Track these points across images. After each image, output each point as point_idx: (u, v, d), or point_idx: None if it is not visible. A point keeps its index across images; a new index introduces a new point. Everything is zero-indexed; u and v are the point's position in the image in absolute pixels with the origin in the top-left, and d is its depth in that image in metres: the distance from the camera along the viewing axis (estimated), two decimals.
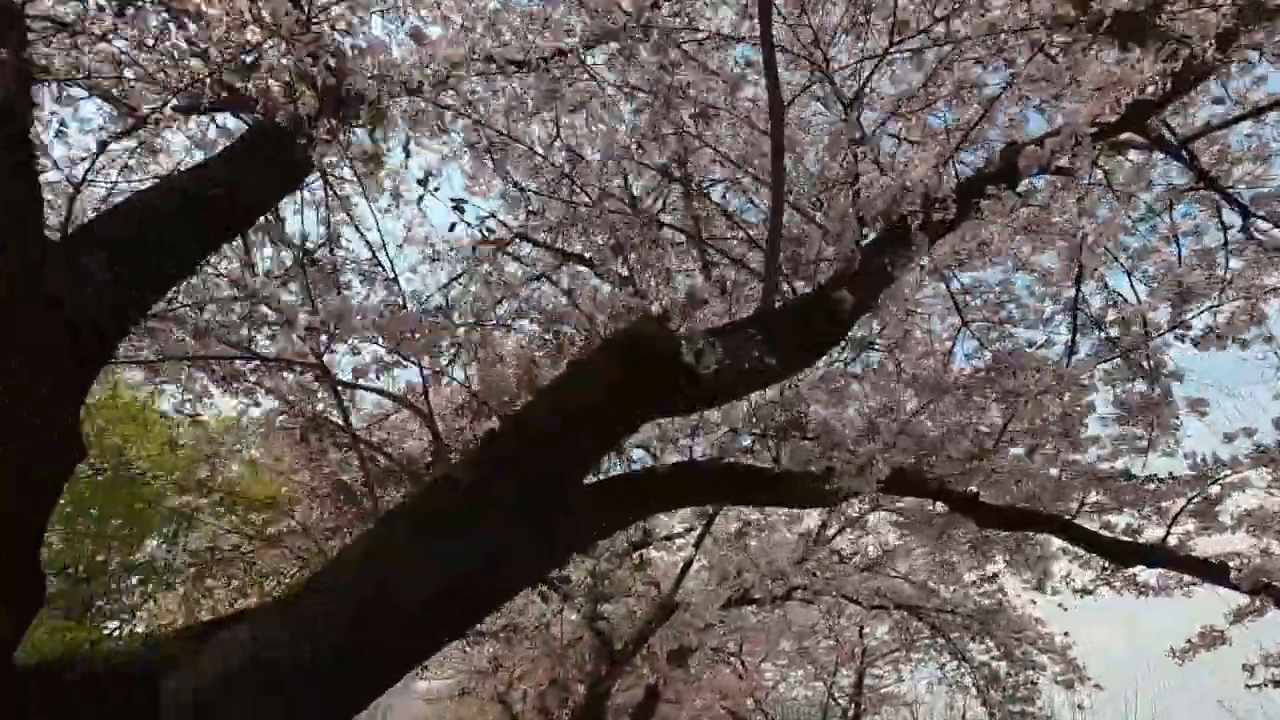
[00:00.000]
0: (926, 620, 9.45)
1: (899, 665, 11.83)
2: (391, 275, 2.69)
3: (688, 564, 8.65)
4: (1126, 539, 3.38)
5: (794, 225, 3.10)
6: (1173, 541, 3.31)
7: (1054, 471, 3.01)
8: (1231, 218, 4.93)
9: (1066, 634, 8.65)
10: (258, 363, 3.05)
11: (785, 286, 2.68)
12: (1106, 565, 3.96)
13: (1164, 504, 3.24)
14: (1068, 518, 3.36)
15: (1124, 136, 4.53)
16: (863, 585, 9.48)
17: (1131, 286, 5.32)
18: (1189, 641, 4.14)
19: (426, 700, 20.81)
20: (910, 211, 2.59)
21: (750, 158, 2.74)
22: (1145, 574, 4.01)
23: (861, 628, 14.19)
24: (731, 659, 14.41)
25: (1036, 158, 3.48)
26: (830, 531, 10.15)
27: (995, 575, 9.16)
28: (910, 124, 2.88)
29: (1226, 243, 4.85)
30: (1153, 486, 2.99)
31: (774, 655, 15.19)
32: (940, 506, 3.54)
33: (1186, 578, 4.03)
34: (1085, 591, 4.08)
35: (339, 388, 2.78)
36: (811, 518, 10.57)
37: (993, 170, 3.35)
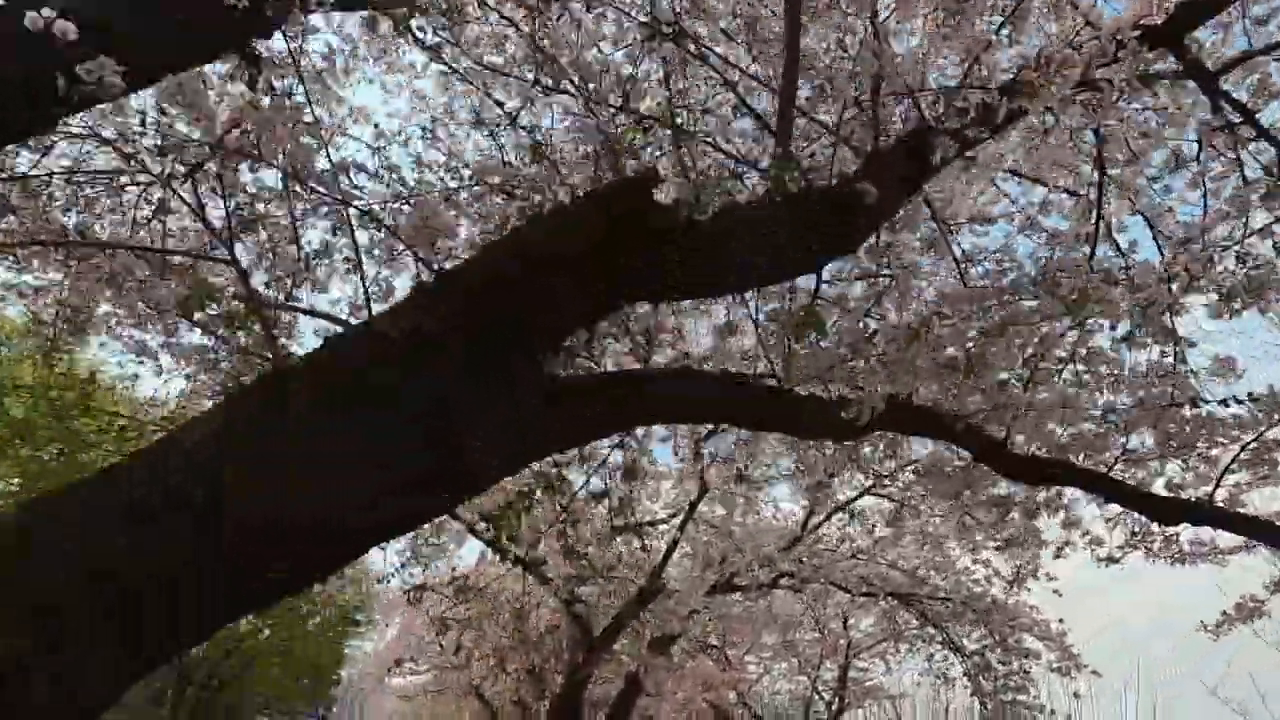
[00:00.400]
0: (916, 608, 9.08)
1: (886, 657, 11.46)
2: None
3: (671, 548, 8.21)
4: (1169, 494, 2.99)
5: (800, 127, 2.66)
6: (1222, 496, 2.92)
7: (1101, 400, 2.60)
8: (1252, 172, 4.57)
9: (1061, 620, 8.33)
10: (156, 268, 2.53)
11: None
12: (1137, 530, 3.57)
13: (1214, 452, 2.85)
14: (1104, 470, 2.96)
15: (1154, 69, 4.16)
16: (851, 572, 9.10)
17: (1156, 241, 4.95)
18: (1224, 613, 3.77)
19: (401, 697, 20.30)
20: (949, 94, 2.17)
21: (754, 23, 2.29)
22: (1181, 538, 3.63)
23: (846, 619, 13.86)
24: (713, 650, 14.02)
25: (1074, 64, 3.08)
26: (819, 518, 9.78)
27: (989, 560, 8.85)
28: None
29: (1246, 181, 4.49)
30: (1222, 414, 2.59)
31: (757, 648, 14.83)
32: (961, 457, 3.12)
33: (1223, 542, 3.66)
34: (1110, 560, 3.69)
35: (264, 305, 2.29)
36: (801, 499, 10.19)
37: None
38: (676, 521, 8.78)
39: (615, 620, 6.85)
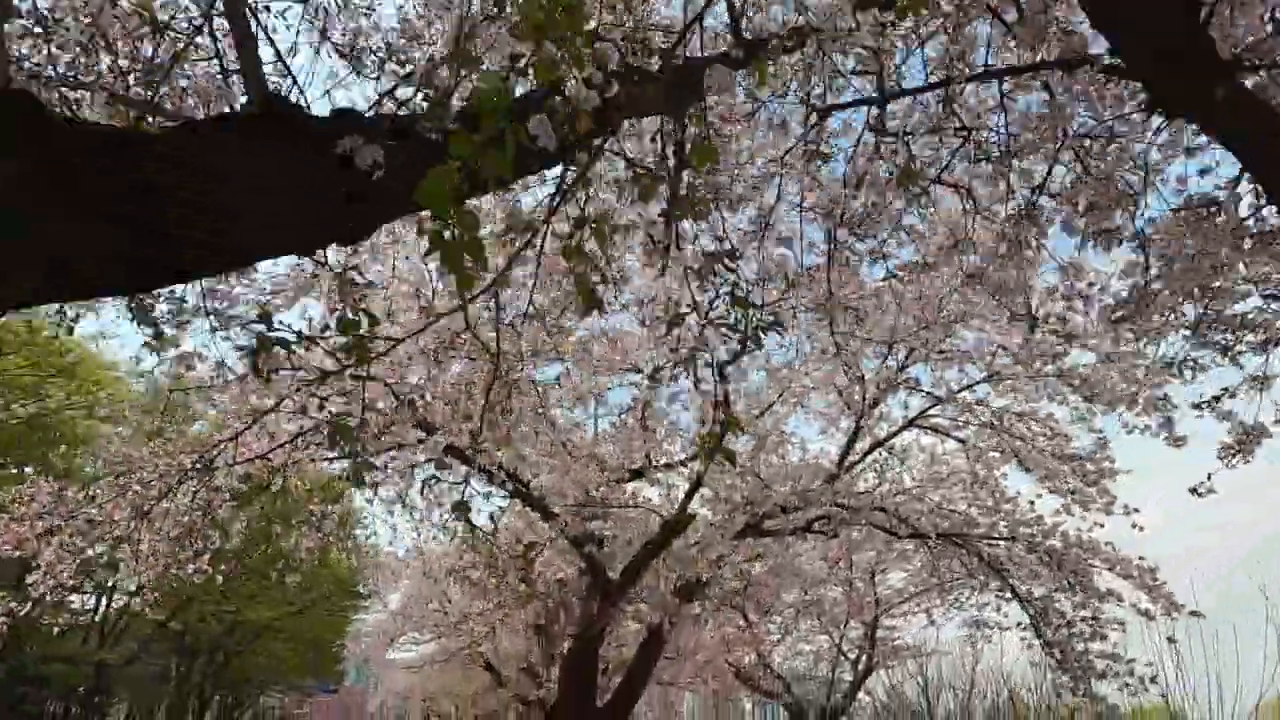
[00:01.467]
0: (971, 549, 7.85)
1: (929, 610, 10.26)
2: None
3: (695, 484, 6.98)
4: None
5: None
6: None
7: None
8: None
9: (1143, 559, 7.11)
10: None
11: None
12: None
13: None
14: None
15: None
16: (898, 511, 7.84)
17: None
18: None
19: (405, 669, 19.33)
20: None
21: None
22: None
23: (874, 573, 12.70)
24: (733, 609, 12.88)
25: None
26: (857, 454, 8.55)
27: (1069, 486, 7.61)
28: None
29: None
30: None
31: (778, 606, 13.69)
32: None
33: None
34: None
35: None
36: (837, 435, 8.96)
37: None
38: (696, 465, 7.55)
39: (634, 561, 5.61)
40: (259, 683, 28.89)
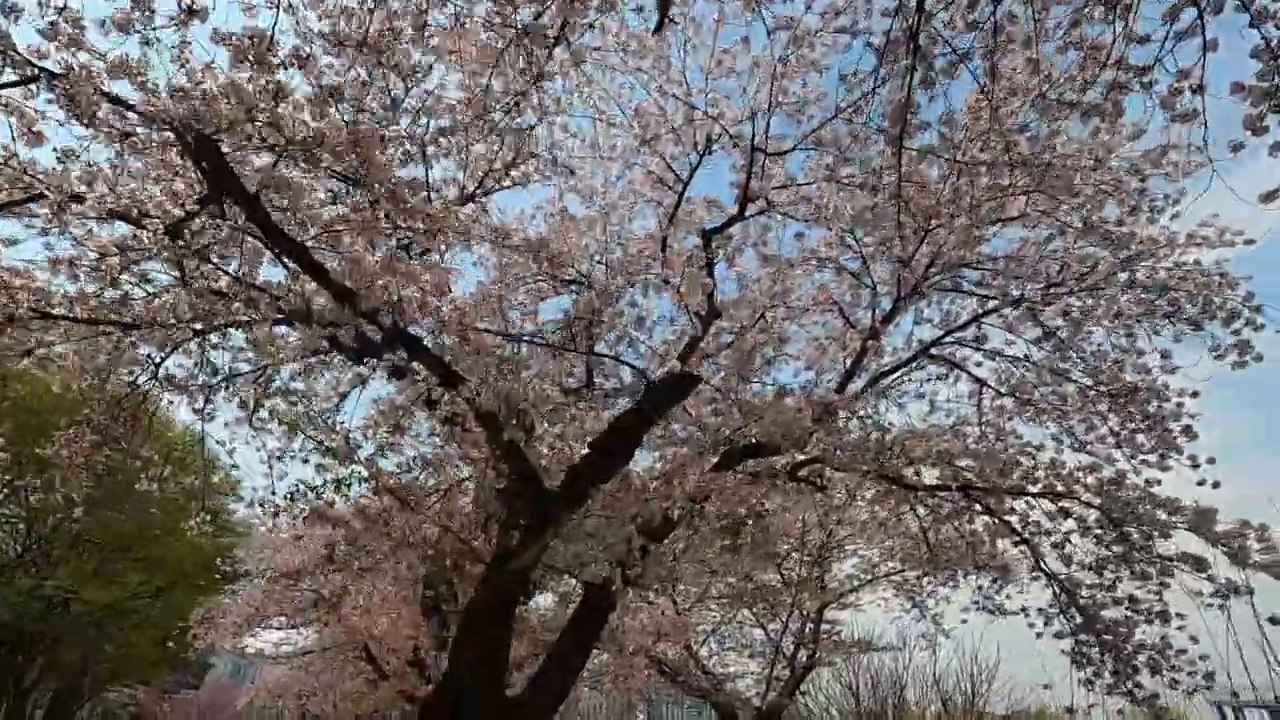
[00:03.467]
0: (999, 511, 6.00)
1: (913, 591, 8.38)
2: None
3: (690, 346, 4.76)
4: None
5: None
6: None
7: None
8: None
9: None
10: None
11: None
12: None
13: None
14: None
15: None
16: (910, 452, 5.90)
17: None
18: None
19: (277, 661, 16.23)
20: None
21: None
22: None
23: (821, 558, 10.84)
24: (661, 597, 10.68)
25: None
26: (858, 385, 6.60)
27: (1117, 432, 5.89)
28: None
29: None
30: None
31: (712, 594, 11.60)
32: None
33: None
34: None
35: None
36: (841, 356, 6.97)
37: None
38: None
39: (584, 463, 3.30)
40: (105, 675, 24.17)
